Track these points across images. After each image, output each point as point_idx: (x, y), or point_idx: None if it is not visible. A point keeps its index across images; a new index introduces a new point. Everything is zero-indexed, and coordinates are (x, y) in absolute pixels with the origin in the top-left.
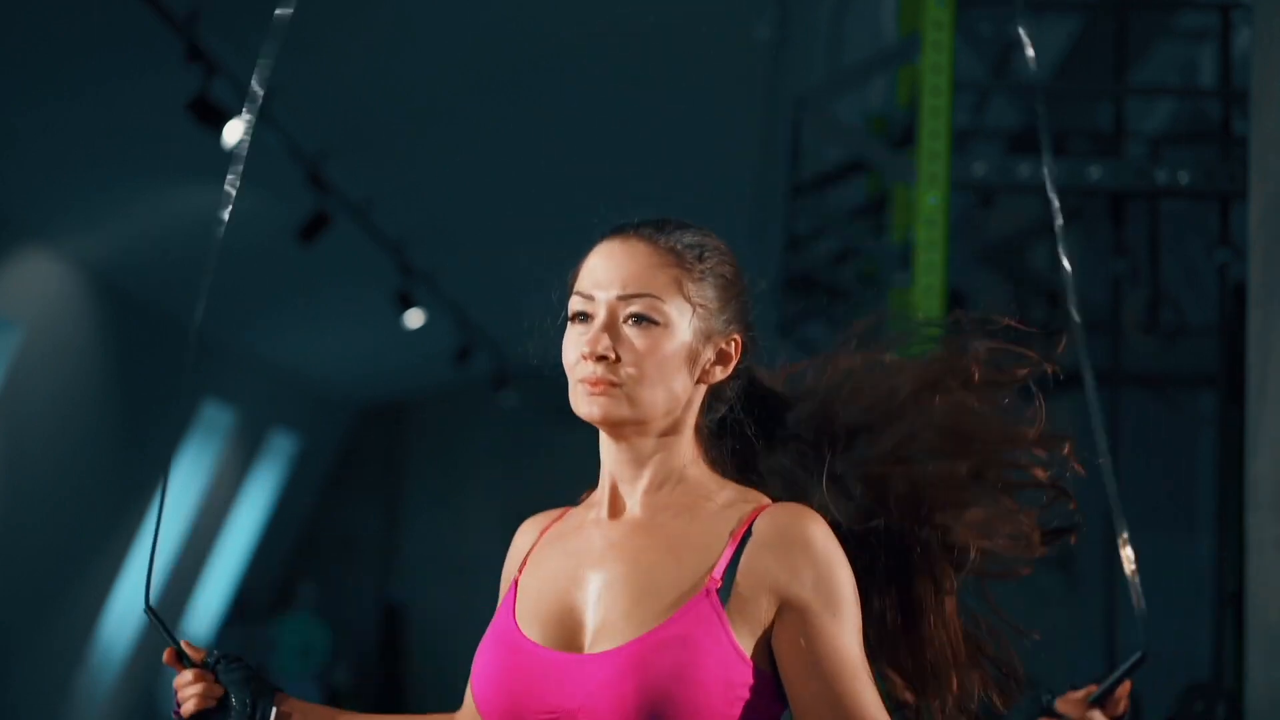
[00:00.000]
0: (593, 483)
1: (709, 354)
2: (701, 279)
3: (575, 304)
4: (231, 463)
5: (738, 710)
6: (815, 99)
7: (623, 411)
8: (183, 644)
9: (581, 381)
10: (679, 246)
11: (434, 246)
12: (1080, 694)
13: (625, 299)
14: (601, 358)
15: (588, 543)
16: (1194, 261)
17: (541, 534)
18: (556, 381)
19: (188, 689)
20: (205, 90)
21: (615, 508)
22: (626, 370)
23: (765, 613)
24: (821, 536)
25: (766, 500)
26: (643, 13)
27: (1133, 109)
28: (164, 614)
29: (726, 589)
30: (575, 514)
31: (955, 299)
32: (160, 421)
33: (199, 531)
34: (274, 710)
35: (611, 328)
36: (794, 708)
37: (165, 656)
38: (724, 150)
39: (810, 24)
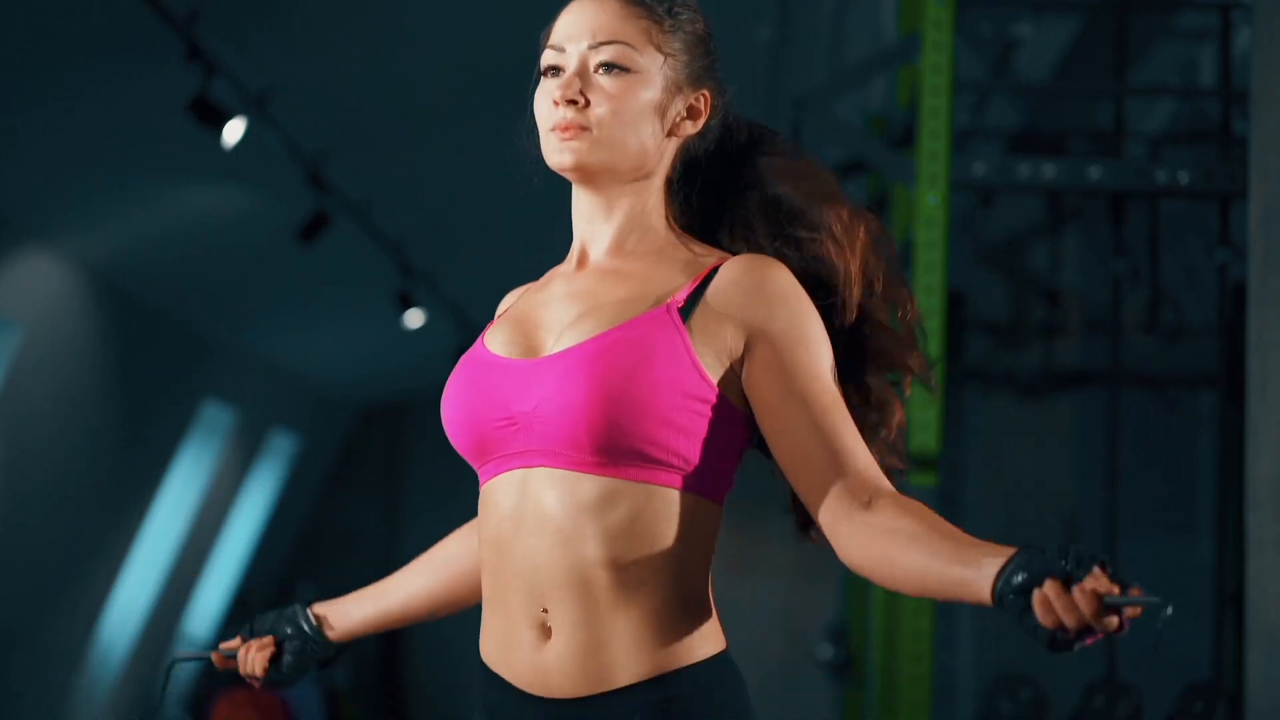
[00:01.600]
0: None
1: (679, 107)
2: (672, 31)
3: (547, 58)
4: (231, 463)
5: (694, 424)
6: (815, 99)
7: (594, 156)
8: (214, 656)
9: (553, 130)
10: (649, 0)
11: (434, 246)
12: (1101, 584)
13: (595, 47)
14: (572, 102)
15: (554, 289)
16: (1194, 261)
17: (520, 297)
18: None
19: (248, 663)
20: (205, 90)
21: (582, 260)
22: (597, 113)
23: (731, 341)
24: (789, 279)
25: (729, 255)
26: None
27: (1133, 109)
28: (163, 614)
29: (688, 310)
30: (547, 275)
31: (955, 299)
32: (160, 421)
33: (199, 531)
34: (313, 618)
35: (583, 75)
36: (773, 441)
37: (216, 661)
38: None
39: (810, 24)
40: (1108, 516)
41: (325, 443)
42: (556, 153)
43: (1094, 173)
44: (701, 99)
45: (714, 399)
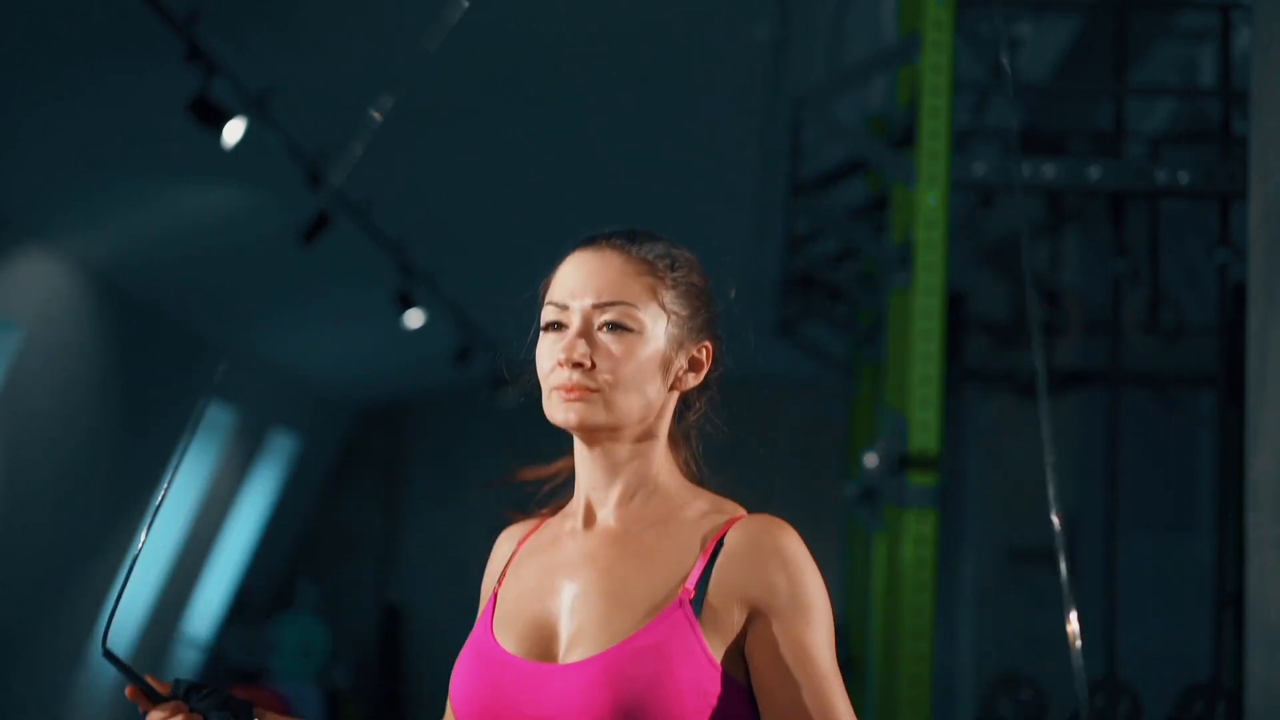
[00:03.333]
0: (570, 492)
1: (681, 361)
2: (674, 287)
3: (549, 314)
4: (231, 463)
5: (709, 717)
6: (815, 99)
7: (599, 417)
8: (148, 678)
9: (557, 389)
10: (651, 256)
11: (434, 246)
12: None
13: (600, 307)
14: (578, 364)
15: (562, 554)
16: (1194, 261)
17: (519, 545)
18: None
19: None
20: (205, 90)
21: (589, 518)
22: (603, 376)
23: (736, 621)
24: (793, 546)
25: (740, 511)
26: (643, 13)
27: (1133, 109)
28: (164, 614)
29: (700, 599)
30: (551, 525)
31: (955, 299)
32: (160, 421)
33: (199, 531)
34: None
35: (587, 335)
36: (765, 711)
37: (128, 693)
38: (724, 150)
39: (810, 24)
40: (1108, 516)
41: (325, 443)
42: (561, 412)
43: (1094, 173)
44: (703, 350)
45: (722, 689)
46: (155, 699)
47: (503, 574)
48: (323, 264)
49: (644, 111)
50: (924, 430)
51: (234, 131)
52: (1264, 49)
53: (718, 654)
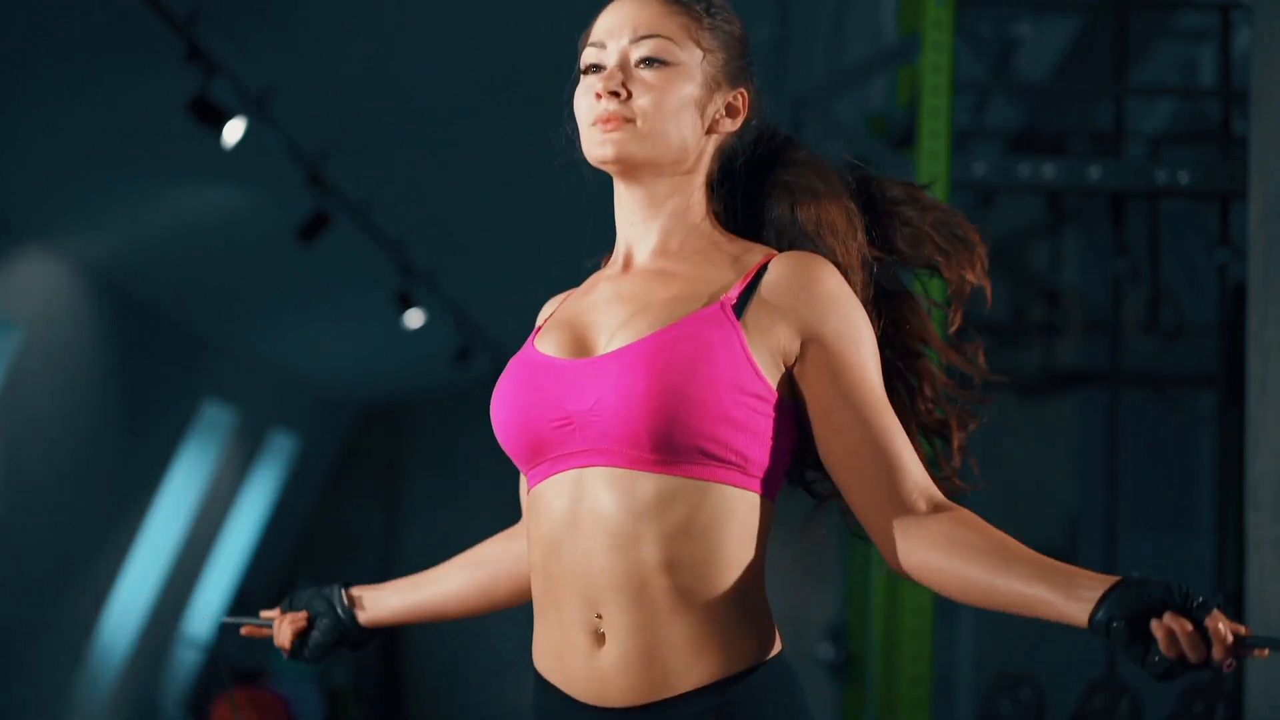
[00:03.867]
0: None
1: (718, 104)
2: (710, 29)
3: (587, 55)
4: (231, 463)
5: (751, 420)
6: (815, 99)
7: (636, 148)
8: (261, 615)
9: (595, 123)
10: None
11: (434, 246)
12: (1229, 625)
13: (636, 42)
14: (614, 94)
15: (600, 292)
16: (1194, 261)
17: (561, 303)
18: None
19: (279, 634)
20: (205, 90)
21: (628, 262)
22: (639, 104)
23: (786, 341)
24: (838, 279)
25: (775, 251)
26: None
27: (1133, 109)
28: (164, 614)
29: (741, 308)
30: (591, 279)
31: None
32: (160, 421)
33: (199, 531)
34: (347, 599)
35: (624, 68)
36: (822, 443)
37: (244, 631)
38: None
39: (810, 24)
40: (1108, 516)
41: (325, 443)
42: (599, 145)
43: (1094, 173)
44: (739, 97)
45: (769, 396)
46: (268, 625)
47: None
48: (323, 264)
49: None
50: None
51: (234, 131)
52: (1264, 49)
53: (764, 366)
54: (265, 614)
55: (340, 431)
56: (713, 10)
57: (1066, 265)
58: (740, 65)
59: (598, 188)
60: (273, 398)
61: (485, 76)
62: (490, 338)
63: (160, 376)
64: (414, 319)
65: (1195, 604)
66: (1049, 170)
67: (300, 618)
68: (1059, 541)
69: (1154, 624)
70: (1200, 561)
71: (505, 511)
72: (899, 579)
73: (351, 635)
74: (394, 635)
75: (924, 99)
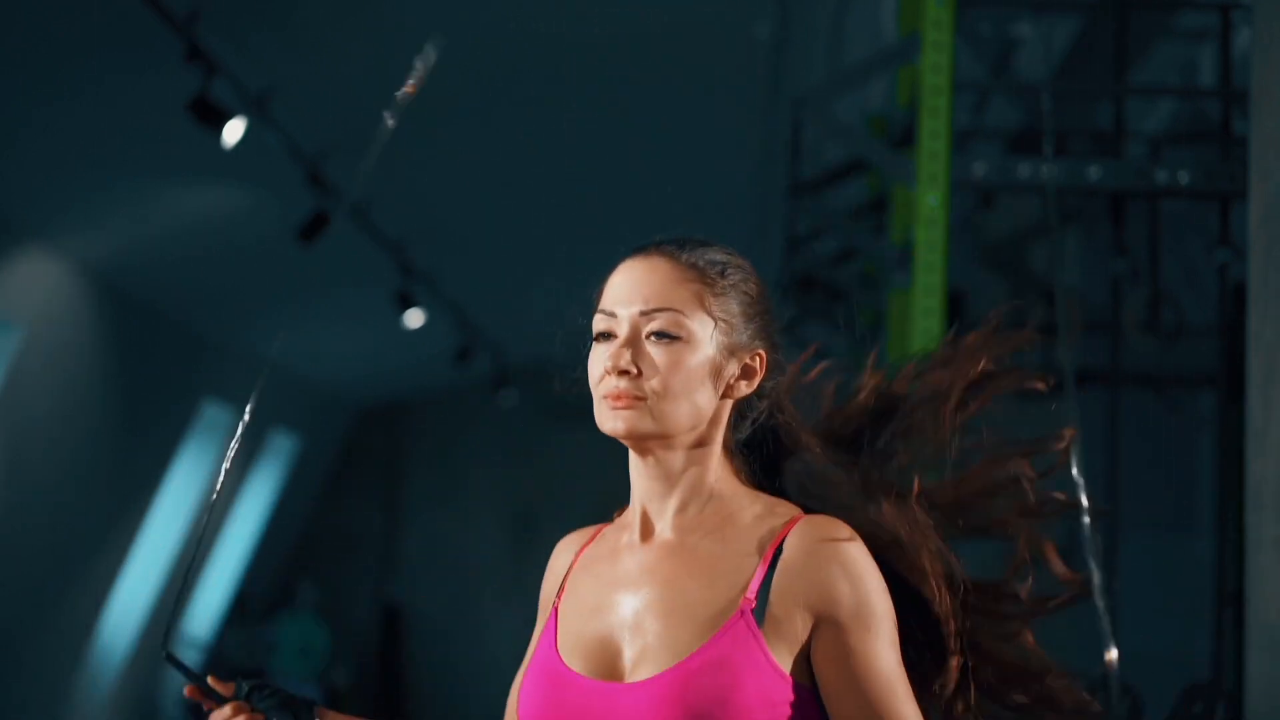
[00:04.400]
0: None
1: (733, 368)
2: (724, 294)
3: (598, 323)
4: (232, 462)
5: None
6: (815, 99)
7: (647, 425)
8: (209, 680)
9: (605, 397)
10: (700, 263)
11: (434, 246)
12: None
13: (647, 314)
14: (624, 372)
15: (621, 569)
16: (1194, 261)
17: (577, 556)
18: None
19: None
20: (205, 90)
21: (646, 530)
22: (650, 384)
23: (801, 629)
24: (853, 550)
25: (797, 512)
26: (643, 12)
27: (1133, 109)
28: (163, 614)
29: (761, 608)
30: (609, 534)
31: (955, 299)
32: (160, 421)
33: (199, 531)
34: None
35: (634, 343)
36: (833, 717)
37: (188, 692)
38: (724, 150)
39: (810, 24)
40: (1108, 516)
41: (325, 443)
42: (610, 420)
43: (1094, 173)
44: (756, 359)
45: (792, 695)
46: (217, 700)
47: (561, 586)
48: (323, 264)
49: (644, 111)
50: None
51: (234, 131)
52: (1264, 49)
53: (784, 662)
54: (216, 683)
55: (340, 431)
56: (727, 272)
57: (1066, 265)
58: (757, 326)
59: (596, 193)
60: (273, 398)
61: (485, 76)
62: (490, 338)
63: (160, 376)
64: (414, 319)
65: None
66: (1049, 170)
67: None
68: (1059, 542)
69: None
70: (1200, 561)
71: (505, 512)
72: None
73: None
74: (394, 635)
75: (924, 99)
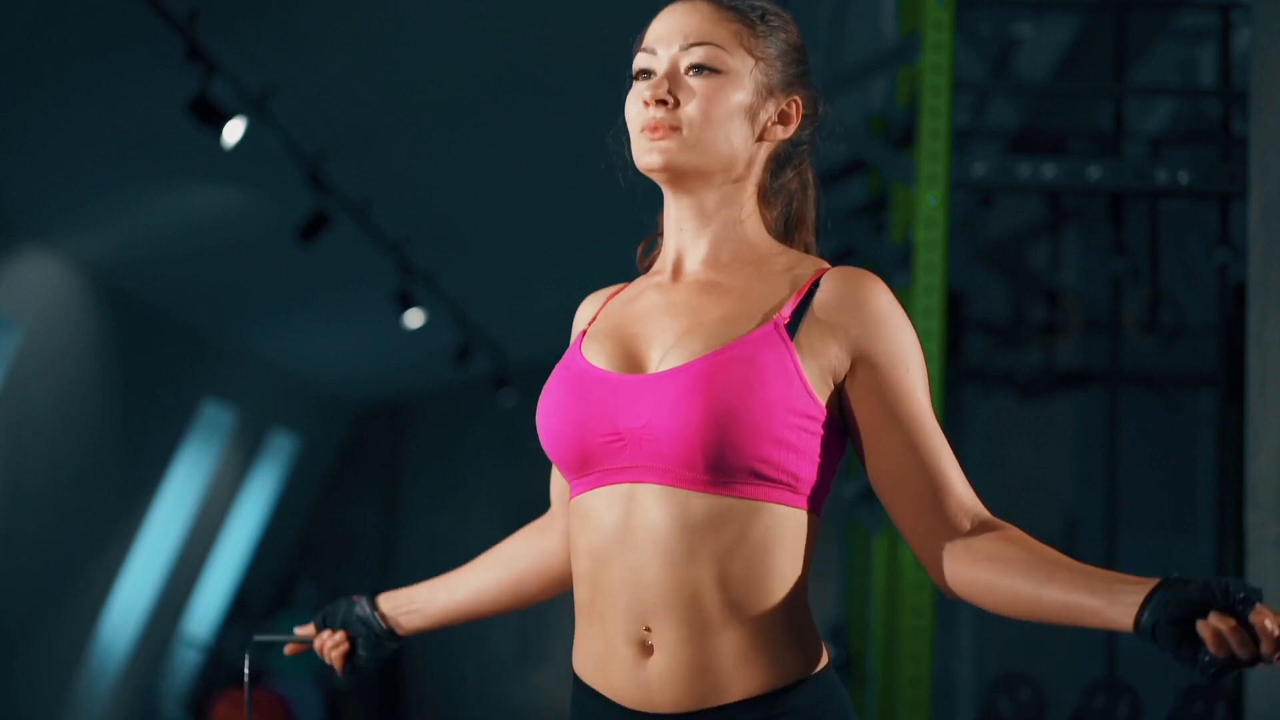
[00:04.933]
0: None
1: (770, 111)
2: (764, 37)
3: (639, 61)
4: (231, 463)
5: (803, 441)
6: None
7: (683, 158)
8: (296, 632)
9: (643, 130)
10: (742, 5)
11: (434, 246)
12: (1275, 621)
13: (686, 49)
14: (661, 102)
15: (649, 301)
16: (1194, 261)
17: (603, 306)
18: None
19: (327, 655)
20: (205, 90)
21: (677, 271)
22: (687, 112)
23: (837, 360)
24: (889, 297)
25: (826, 264)
26: (643, 12)
27: (1133, 109)
28: (164, 612)
29: (794, 327)
30: (637, 283)
31: (955, 299)
32: (160, 421)
33: (199, 531)
34: (382, 620)
35: (674, 76)
36: (871, 460)
37: (288, 650)
38: None
39: (810, 24)
40: (1108, 516)
41: (325, 443)
42: (645, 153)
43: (1094, 173)
44: (793, 104)
45: (820, 415)
46: (310, 643)
47: (588, 327)
48: (322, 264)
49: None
50: None
51: (234, 131)
52: (1264, 49)
53: (816, 386)
54: (300, 630)
55: (340, 431)
56: (767, 17)
57: (1066, 265)
58: (794, 72)
59: (596, 193)
60: (273, 398)
61: (485, 76)
62: (490, 338)
63: (160, 376)
64: (414, 319)
65: (1238, 599)
66: (1049, 170)
67: (341, 639)
68: (1059, 542)
69: (1200, 625)
70: (1200, 561)
71: (505, 511)
72: (899, 579)
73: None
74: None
75: (924, 99)
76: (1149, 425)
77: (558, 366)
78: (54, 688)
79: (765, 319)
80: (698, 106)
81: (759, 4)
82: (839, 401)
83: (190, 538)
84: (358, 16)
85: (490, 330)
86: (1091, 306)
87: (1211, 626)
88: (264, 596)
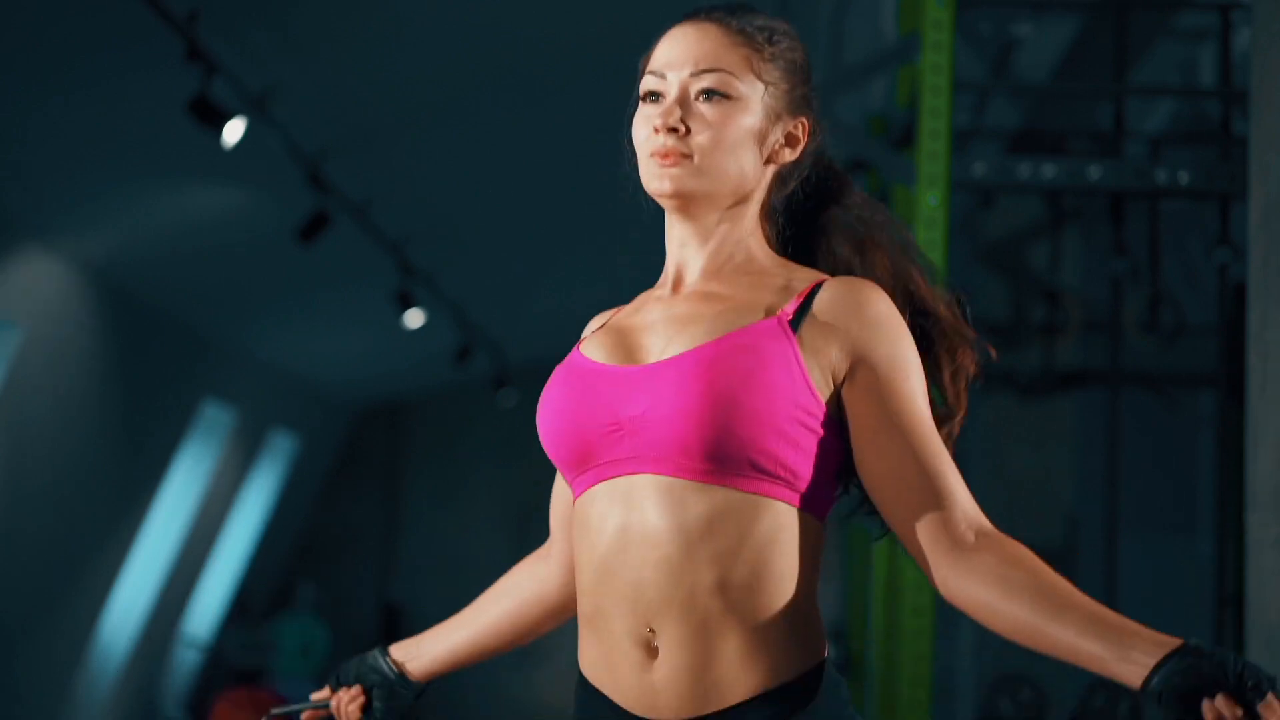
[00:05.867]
0: None
1: (778, 134)
2: (772, 60)
3: (647, 83)
4: (231, 463)
5: (803, 437)
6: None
7: (693, 184)
8: (313, 699)
9: (653, 156)
10: (750, 28)
11: (434, 246)
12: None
13: (697, 74)
14: (672, 130)
15: (649, 314)
16: (1194, 261)
17: (606, 321)
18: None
19: (342, 714)
20: (205, 90)
21: (677, 284)
22: (698, 140)
23: (836, 361)
24: (888, 304)
25: (825, 275)
26: (643, 12)
27: (1133, 109)
28: (164, 612)
29: (797, 324)
30: (639, 300)
31: (955, 299)
32: (160, 422)
33: (199, 531)
34: (394, 665)
35: (684, 103)
36: (867, 467)
37: (306, 717)
38: None
39: (810, 24)
40: (1108, 516)
41: (325, 443)
42: (656, 179)
43: (1094, 173)
44: (800, 126)
45: (820, 412)
46: (325, 706)
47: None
48: (322, 264)
49: None
50: None
51: (234, 131)
52: (1264, 49)
53: (817, 384)
54: (316, 696)
55: (340, 431)
56: (775, 39)
57: (1066, 265)
58: (802, 94)
59: (596, 193)
60: (273, 398)
61: (484, 76)
62: (490, 338)
63: (160, 376)
64: (414, 319)
65: (1250, 686)
66: (1049, 170)
67: (357, 693)
68: (1059, 541)
69: (1205, 704)
70: (1200, 561)
71: (505, 511)
72: (899, 579)
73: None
74: (394, 635)
75: (924, 99)
76: (1149, 425)
77: (558, 367)
78: (54, 688)
79: (768, 314)
80: (709, 134)
81: (765, 23)
82: (837, 404)
83: (190, 538)
84: (358, 16)
85: (490, 330)
86: (1091, 306)
87: (1216, 711)
88: (264, 596)
